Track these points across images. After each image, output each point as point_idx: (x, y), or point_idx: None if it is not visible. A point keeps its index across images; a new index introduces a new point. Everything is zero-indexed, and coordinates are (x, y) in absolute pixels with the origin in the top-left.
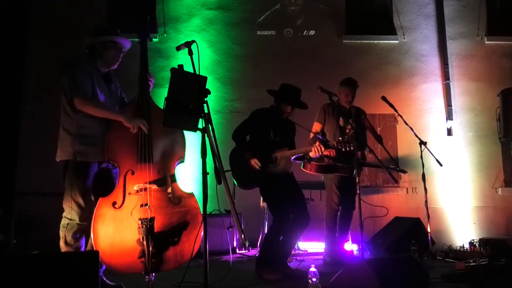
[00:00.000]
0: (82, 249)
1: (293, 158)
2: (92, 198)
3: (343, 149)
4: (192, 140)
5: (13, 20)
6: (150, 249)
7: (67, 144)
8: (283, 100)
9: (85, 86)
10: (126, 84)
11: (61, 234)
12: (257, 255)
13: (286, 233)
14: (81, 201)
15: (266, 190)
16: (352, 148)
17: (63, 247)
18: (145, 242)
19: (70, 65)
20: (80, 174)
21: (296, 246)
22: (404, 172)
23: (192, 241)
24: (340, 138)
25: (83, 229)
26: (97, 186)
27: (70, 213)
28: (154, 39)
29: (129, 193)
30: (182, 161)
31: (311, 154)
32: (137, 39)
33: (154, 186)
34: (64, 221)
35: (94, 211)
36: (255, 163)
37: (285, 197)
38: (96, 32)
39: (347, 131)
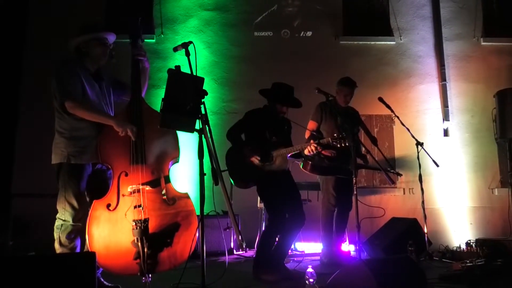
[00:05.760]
0: (78, 250)
1: (289, 155)
2: (87, 199)
3: (338, 145)
4: (189, 141)
5: (11, 21)
6: (145, 250)
7: (61, 147)
8: (277, 101)
9: (75, 88)
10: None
11: (56, 235)
12: (254, 256)
13: (282, 233)
14: (74, 202)
15: (262, 188)
16: (347, 144)
17: (58, 248)
18: (139, 244)
19: (58, 68)
20: (74, 176)
21: (293, 246)
22: (399, 175)
23: (188, 241)
24: (335, 134)
25: (77, 230)
26: (92, 187)
27: (63, 215)
28: (151, 40)
29: (123, 195)
30: (177, 161)
31: (306, 152)
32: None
33: (148, 187)
34: (58, 223)
35: (89, 213)
36: (256, 158)
37: (281, 195)
38: (79, 32)
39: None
